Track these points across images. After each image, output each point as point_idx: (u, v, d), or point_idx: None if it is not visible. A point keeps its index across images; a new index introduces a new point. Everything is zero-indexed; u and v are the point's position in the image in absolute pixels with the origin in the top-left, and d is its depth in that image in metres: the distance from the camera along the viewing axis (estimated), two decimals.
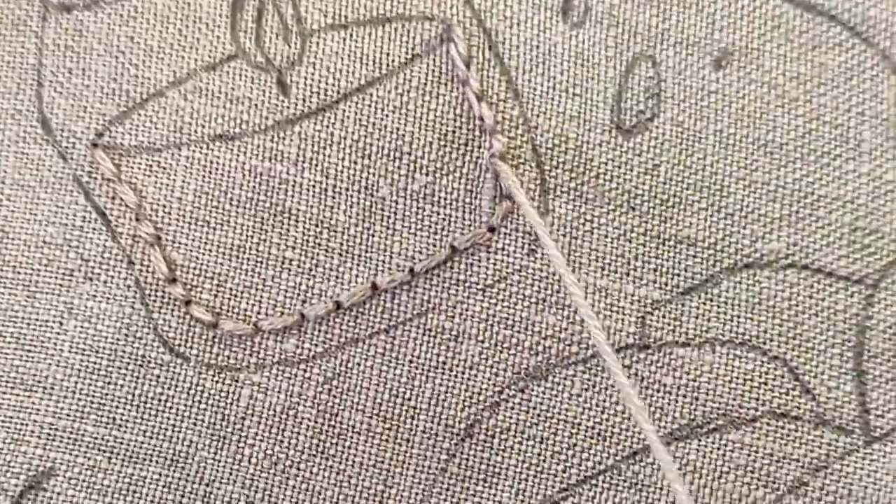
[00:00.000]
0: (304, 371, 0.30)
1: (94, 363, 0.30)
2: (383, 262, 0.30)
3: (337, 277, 0.30)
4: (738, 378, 0.30)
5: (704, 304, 0.30)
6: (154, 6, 0.31)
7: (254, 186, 0.30)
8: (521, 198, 0.29)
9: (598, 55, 0.31)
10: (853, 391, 0.30)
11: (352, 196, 0.30)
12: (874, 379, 0.30)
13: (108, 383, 0.30)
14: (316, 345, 0.30)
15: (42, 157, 0.30)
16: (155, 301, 0.30)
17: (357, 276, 0.30)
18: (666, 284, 0.30)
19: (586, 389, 0.30)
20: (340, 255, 0.30)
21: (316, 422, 0.30)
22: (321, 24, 0.31)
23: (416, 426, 0.30)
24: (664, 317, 0.30)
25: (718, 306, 0.30)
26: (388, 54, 0.31)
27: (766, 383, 0.30)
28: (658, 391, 0.30)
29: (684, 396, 0.30)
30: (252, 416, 0.30)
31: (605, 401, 0.30)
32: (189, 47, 0.31)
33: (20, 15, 0.31)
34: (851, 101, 0.31)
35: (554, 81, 0.31)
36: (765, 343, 0.30)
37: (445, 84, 0.31)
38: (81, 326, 0.30)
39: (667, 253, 0.30)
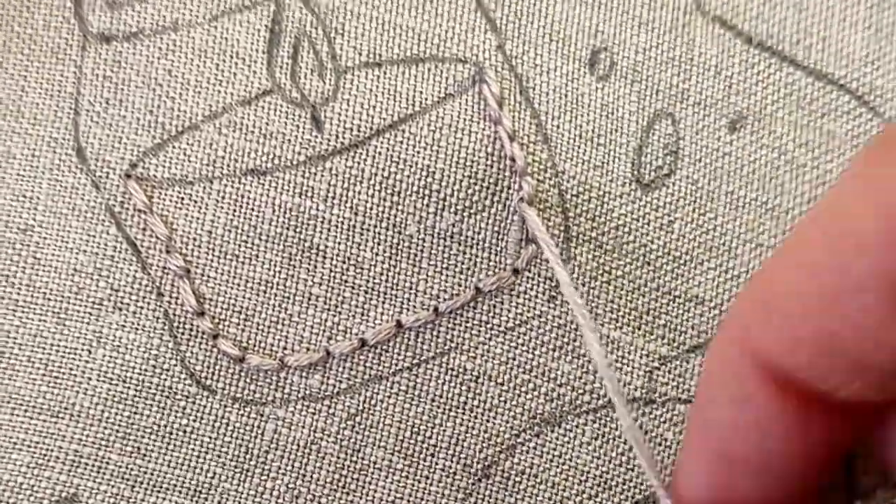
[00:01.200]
0: (328, 407, 0.32)
1: (121, 392, 0.31)
2: (408, 300, 0.32)
3: (362, 315, 0.32)
4: None
5: None
6: (192, 40, 0.32)
7: (283, 222, 0.32)
8: (548, 243, 0.31)
9: (622, 108, 0.33)
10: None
11: (379, 233, 0.32)
12: None
13: (135, 413, 0.31)
14: (340, 381, 0.32)
15: (76, 186, 0.31)
16: (183, 333, 0.32)
17: (382, 313, 0.32)
18: (674, 341, 0.33)
19: (595, 439, 0.32)
20: (366, 292, 0.32)
21: (338, 457, 0.32)
22: (355, 62, 0.32)
23: (436, 464, 0.32)
24: (669, 373, 0.33)
25: None
26: (420, 93, 0.32)
27: None
28: (660, 444, 0.33)
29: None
30: (275, 450, 0.32)
31: (612, 451, 0.33)
32: (225, 81, 0.32)
33: (60, 44, 0.32)
34: None
35: (581, 130, 0.33)
36: None
37: (477, 123, 0.33)
38: (109, 356, 0.31)
39: (676, 310, 0.33)
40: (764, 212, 0.33)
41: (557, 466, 0.32)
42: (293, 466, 0.32)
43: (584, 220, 0.33)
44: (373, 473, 0.32)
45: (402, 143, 0.32)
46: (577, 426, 0.33)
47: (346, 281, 0.32)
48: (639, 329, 0.33)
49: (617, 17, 0.34)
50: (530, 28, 0.33)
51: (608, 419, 0.33)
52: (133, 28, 0.32)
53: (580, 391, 0.33)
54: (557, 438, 0.32)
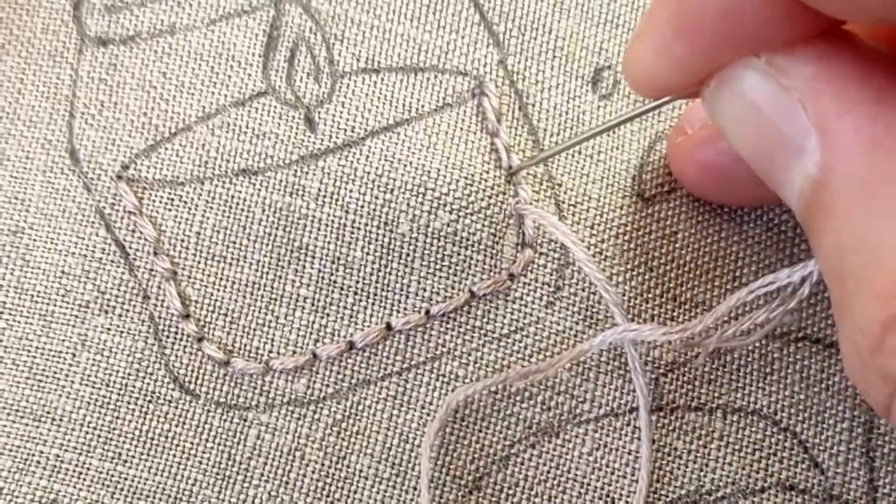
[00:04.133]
0: (314, 412, 0.33)
1: (104, 397, 0.33)
2: (399, 302, 0.33)
3: (351, 316, 0.33)
4: (747, 447, 0.33)
5: (717, 369, 0.33)
6: (189, 44, 0.34)
7: (273, 222, 0.33)
8: (553, 221, 0.32)
9: (623, 127, 0.35)
10: (862, 468, 0.33)
11: (370, 232, 0.33)
12: (882, 457, 0.33)
13: (116, 417, 0.33)
14: (327, 385, 0.33)
15: (67, 188, 0.33)
16: (168, 337, 0.33)
17: (371, 315, 0.33)
18: (681, 347, 0.33)
19: (597, 449, 0.33)
20: (356, 293, 0.33)
21: (322, 464, 0.32)
22: (353, 68, 0.34)
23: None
24: (677, 379, 0.33)
25: (731, 373, 0.33)
26: (418, 100, 0.34)
27: (775, 454, 0.33)
28: (668, 454, 0.33)
29: (693, 462, 0.33)
30: (258, 456, 0.32)
31: (614, 461, 0.33)
32: (220, 83, 0.34)
33: (57, 47, 0.34)
34: None
35: (580, 146, 0.34)
36: (775, 413, 0.33)
37: (474, 133, 0.34)
38: (94, 359, 0.33)
39: (682, 316, 0.33)
40: (770, 227, 0.34)
41: (555, 478, 0.32)
42: (276, 474, 0.32)
43: (582, 227, 0.34)
44: (358, 482, 0.32)
45: (397, 144, 0.34)
46: (576, 436, 0.33)
47: (334, 282, 0.33)
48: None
49: (622, 35, 0.35)
50: (533, 44, 0.35)
51: (611, 428, 0.33)
52: (130, 31, 0.34)
53: (580, 399, 0.33)
54: (555, 449, 0.33)
